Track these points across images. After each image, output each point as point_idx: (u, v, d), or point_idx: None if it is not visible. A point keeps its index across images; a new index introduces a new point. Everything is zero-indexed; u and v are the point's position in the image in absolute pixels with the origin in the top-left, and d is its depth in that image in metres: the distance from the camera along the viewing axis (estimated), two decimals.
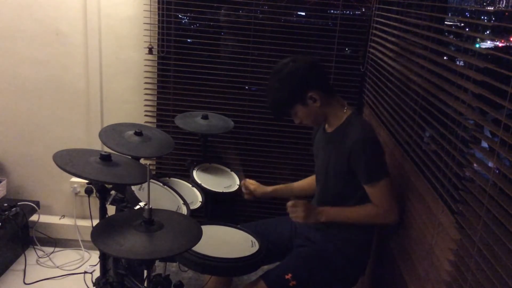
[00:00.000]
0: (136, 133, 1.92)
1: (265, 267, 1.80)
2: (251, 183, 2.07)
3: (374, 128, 1.84)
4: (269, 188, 2.07)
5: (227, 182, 2.23)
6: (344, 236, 1.75)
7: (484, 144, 1.21)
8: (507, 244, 0.97)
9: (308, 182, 2.09)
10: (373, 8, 2.42)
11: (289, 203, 1.70)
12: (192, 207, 1.91)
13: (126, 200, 1.71)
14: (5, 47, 2.63)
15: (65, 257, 2.76)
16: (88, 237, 2.59)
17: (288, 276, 1.66)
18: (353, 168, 1.65)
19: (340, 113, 1.73)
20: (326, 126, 1.80)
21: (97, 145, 2.40)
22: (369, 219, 1.70)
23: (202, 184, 2.11)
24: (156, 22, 2.53)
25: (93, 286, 1.74)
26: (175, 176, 2.18)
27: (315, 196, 1.92)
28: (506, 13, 1.39)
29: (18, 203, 2.66)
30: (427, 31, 1.66)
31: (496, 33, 1.27)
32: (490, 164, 1.12)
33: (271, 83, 1.72)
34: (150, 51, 2.56)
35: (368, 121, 1.75)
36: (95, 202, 1.85)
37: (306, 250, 1.79)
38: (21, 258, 2.64)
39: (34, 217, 2.79)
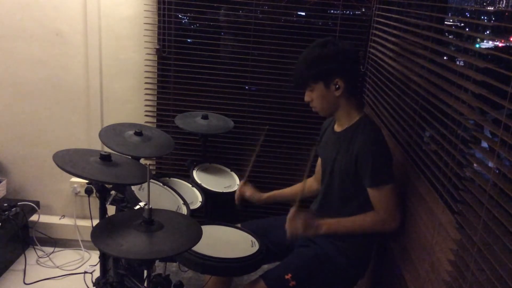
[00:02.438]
0: (136, 133, 1.92)
1: (265, 267, 1.80)
2: (247, 189, 2.04)
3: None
4: (264, 195, 2.04)
5: (227, 182, 2.23)
6: (346, 237, 1.74)
7: (484, 144, 1.21)
8: (507, 244, 0.97)
9: (302, 187, 2.08)
10: (373, 8, 2.42)
11: (289, 216, 1.64)
12: (192, 207, 1.91)
13: (126, 200, 1.71)
14: (5, 47, 2.63)
15: (65, 257, 2.75)
16: (88, 237, 2.59)
17: (288, 276, 1.66)
18: (359, 171, 1.64)
19: (353, 113, 1.72)
20: (336, 125, 1.79)
21: (97, 145, 2.39)
22: (370, 226, 1.67)
23: (202, 184, 2.11)
24: (156, 22, 2.53)
25: (93, 286, 1.74)
26: (175, 176, 2.18)
27: (317, 196, 1.91)
28: (506, 13, 1.39)
29: (18, 203, 2.66)
30: (427, 31, 1.66)
31: (496, 33, 1.27)
32: (490, 164, 1.12)
33: (311, 51, 1.69)
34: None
35: (378, 126, 1.74)
36: (95, 202, 1.85)
37: (307, 250, 1.79)
38: (21, 258, 2.64)
39: (34, 217, 2.79)
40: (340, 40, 1.71)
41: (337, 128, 1.78)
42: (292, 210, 1.65)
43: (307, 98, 1.73)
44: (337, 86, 1.66)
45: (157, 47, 2.54)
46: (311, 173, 2.09)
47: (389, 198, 1.62)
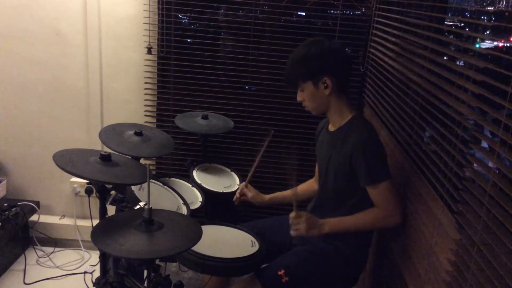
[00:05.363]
0: (136, 133, 1.92)
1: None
2: (250, 190, 2.06)
3: (377, 129, 1.84)
4: (267, 197, 2.06)
5: (227, 182, 2.23)
6: (343, 237, 1.74)
7: (484, 144, 1.21)
8: (507, 244, 0.97)
9: (303, 188, 2.08)
10: (373, 8, 2.42)
11: (292, 215, 1.66)
12: (192, 207, 1.91)
13: (126, 200, 1.71)
14: (5, 47, 2.63)
15: (65, 257, 2.76)
16: (88, 237, 2.59)
17: (281, 272, 1.66)
18: (355, 169, 1.64)
19: (345, 112, 1.72)
20: (330, 125, 1.80)
21: (97, 145, 2.40)
22: (373, 223, 1.68)
23: (202, 184, 2.11)
24: (156, 22, 2.53)
25: (93, 286, 1.74)
26: (175, 176, 2.18)
27: (314, 196, 1.91)
28: (506, 13, 1.39)
29: (18, 203, 2.67)
30: (427, 31, 1.66)
31: (496, 33, 1.27)
32: (490, 164, 1.12)
33: (298, 51, 1.71)
34: (149, 51, 2.55)
35: (371, 123, 1.75)
36: (95, 202, 1.85)
37: (303, 248, 1.78)
38: (21, 258, 2.64)
39: (34, 217, 2.79)
40: (330, 39, 1.72)
41: (331, 127, 1.79)
42: (293, 212, 1.66)
43: (299, 97, 1.75)
44: (325, 84, 1.67)
45: (148, 46, 2.54)
46: (313, 173, 2.09)
47: (387, 194, 1.62)
